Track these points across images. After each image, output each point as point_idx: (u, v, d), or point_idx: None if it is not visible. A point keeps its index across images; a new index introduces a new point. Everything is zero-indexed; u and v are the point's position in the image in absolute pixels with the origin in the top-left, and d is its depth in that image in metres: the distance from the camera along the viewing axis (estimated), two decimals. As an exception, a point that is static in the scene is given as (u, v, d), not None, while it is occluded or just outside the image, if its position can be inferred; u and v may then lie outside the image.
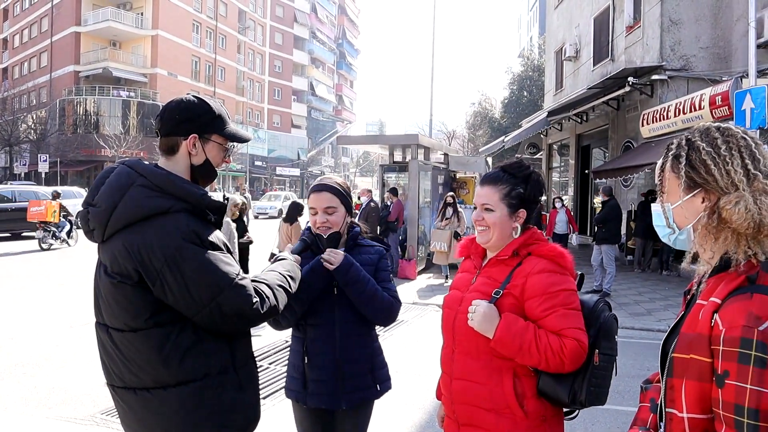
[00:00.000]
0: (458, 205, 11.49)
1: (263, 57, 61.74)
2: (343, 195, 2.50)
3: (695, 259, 1.43)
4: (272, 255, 8.25)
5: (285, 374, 5.66)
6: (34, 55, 50.19)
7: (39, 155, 34.08)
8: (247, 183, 52.86)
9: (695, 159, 1.34)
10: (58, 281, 10.76)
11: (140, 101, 44.13)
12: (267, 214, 32.98)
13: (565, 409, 1.98)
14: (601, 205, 10.65)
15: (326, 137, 75.75)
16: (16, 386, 5.21)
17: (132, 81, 45.49)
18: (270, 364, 5.90)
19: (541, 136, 21.66)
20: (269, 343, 6.54)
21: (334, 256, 2.37)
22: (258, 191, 50.66)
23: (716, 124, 1.38)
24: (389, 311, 2.49)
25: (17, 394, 5.00)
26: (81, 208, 1.85)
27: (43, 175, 34.50)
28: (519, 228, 2.02)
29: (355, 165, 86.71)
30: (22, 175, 40.23)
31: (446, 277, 11.33)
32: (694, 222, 1.37)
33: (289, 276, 2.02)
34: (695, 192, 1.35)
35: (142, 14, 45.45)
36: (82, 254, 14.46)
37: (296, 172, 65.36)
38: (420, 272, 12.35)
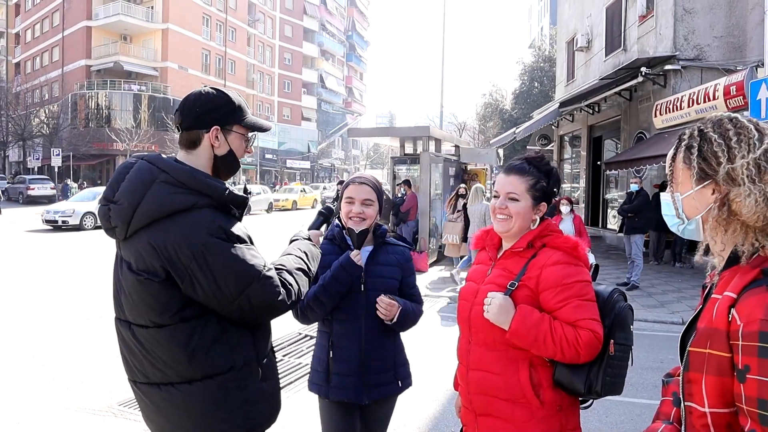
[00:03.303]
0: (470, 197, 11.47)
1: (273, 50, 61.75)
2: (379, 193, 2.58)
3: (707, 251, 1.43)
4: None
5: (299, 365, 5.75)
6: (45, 49, 50.52)
7: (52, 149, 34.45)
8: (258, 176, 53.03)
9: (707, 150, 1.34)
10: (74, 273, 10.88)
11: (151, 95, 44.36)
12: None
13: (579, 399, 1.99)
14: (634, 194, 10.26)
15: (336, 130, 75.74)
16: (35, 378, 5.29)
17: (143, 75, 45.69)
18: (284, 356, 5.94)
19: (553, 127, 21.52)
20: (283, 335, 6.59)
21: (391, 310, 2.45)
22: (269, 184, 50.79)
23: (729, 114, 1.37)
24: (413, 324, 2.61)
25: (36, 386, 5.08)
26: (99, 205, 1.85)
27: (56, 169, 34.81)
28: (538, 220, 2.04)
29: (366, 157, 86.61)
30: (36, 169, 40.62)
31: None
32: (703, 213, 1.37)
33: (307, 256, 2.02)
34: (706, 183, 1.35)
35: (152, 8, 45.59)
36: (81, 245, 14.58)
37: (306, 164, 65.47)
38: (432, 264, 12.36)
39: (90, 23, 44.95)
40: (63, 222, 19.42)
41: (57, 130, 40.24)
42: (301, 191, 37.16)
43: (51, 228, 19.74)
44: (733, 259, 1.32)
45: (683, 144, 1.40)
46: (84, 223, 19.73)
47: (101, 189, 22.66)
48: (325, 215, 2.50)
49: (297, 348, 6.24)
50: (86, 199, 20.87)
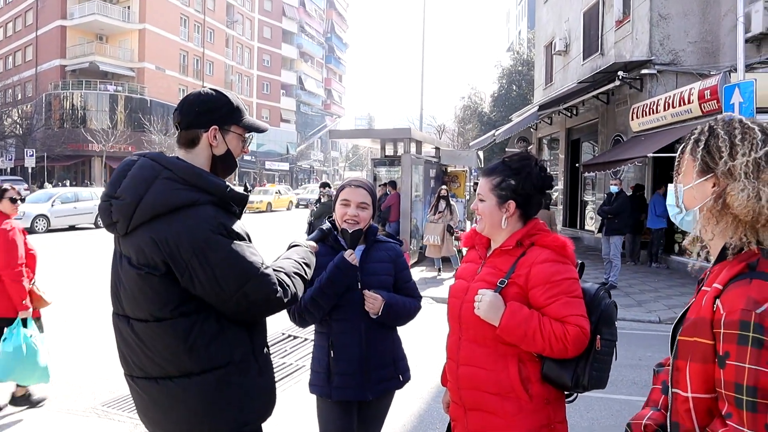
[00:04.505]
0: (450, 199, 11.55)
1: (252, 51, 61.42)
2: (374, 196, 2.65)
3: (695, 240, 1.50)
4: None
5: (283, 365, 5.75)
6: (18, 48, 49.60)
7: (25, 150, 33.79)
8: (237, 178, 52.66)
9: (712, 145, 1.41)
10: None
11: (128, 95, 43.79)
12: None
13: (565, 393, 2.05)
14: (614, 196, 10.35)
15: (315, 131, 75.57)
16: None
17: (119, 75, 45.08)
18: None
19: (531, 130, 21.75)
20: (268, 334, 6.59)
21: (374, 303, 2.50)
22: (250, 186, 50.44)
23: (740, 117, 1.46)
24: (408, 318, 2.66)
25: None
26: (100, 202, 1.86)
27: (30, 170, 34.20)
28: (505, 219, 2.06)
29: (345, 159, 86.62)
30: (8, 170, 39.85)
31: (439, 270, 11.40)
32: (700, 204, 1.44)
33: (305, 263, 2.06)
34: (708, 176, 1.42)
35: (129, 8, 45.03)
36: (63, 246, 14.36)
37: (285, 166, 65.20)
38: (413, 265, 12.40)
39: (65, 22, 44.22)
40: None
41: (31, 131, 39.50)
42: (276, 193, 36.04)
43: None
44: (724, 254, 1.39)
45: (692, 138, 1.48)
46: (35, 226, 18.46)
47: (57, 190, 21.95)
48: (325, 233, 2.55)
49: (281, 348, 6.25)
50: (39, 201, 19.74)
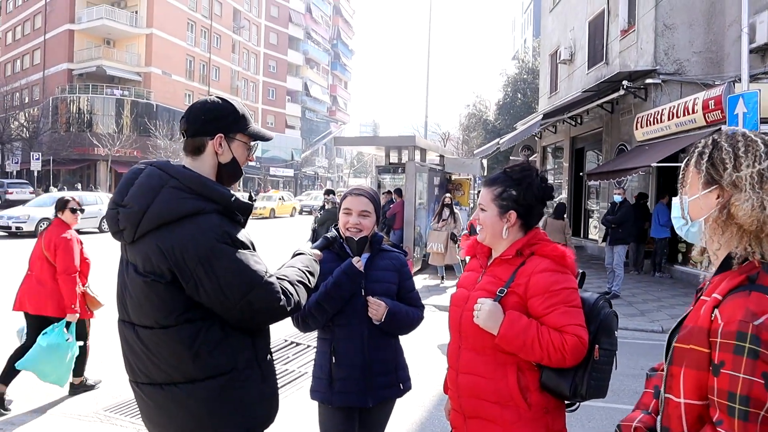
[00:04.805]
0: (454, 207, 11.57)
1: (258, 57, 61.66)
2: (376, 204, 2.66)
3: (703, 251, 1.53)
4: None
5: (285, 372, 5.77)
6: (27, 52, 49.90)
7: (31, 153, 33.89)
8: (241, 184, 52.79)
9: (717, 157, 1.45)
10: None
11: (134, 100, 43.93)
12: None
13: (566, 402, 2.06)
14: (618, 205, 10.33)
15: (320, 138, 75.71)
16: (20, 384, 5.21)
17: (126, 80, 45.29)
18: (269, 362, 5.96)
19: (536, 138, 21.77)
20: (271, 341, 6.60)
21: (377, 309, 2.52)
22: (253, 192, 50.54)
23: (743, 130, 1.50)
24: (410, 327, 2.68)
25: (21, 392, 5.01)
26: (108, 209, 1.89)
27: (36, 174, 34.33)
28: (506, 229, 2.08)
29: (349, 166, 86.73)
30: (14, 173, 40.00)
31: (442, 278, 11.40)
32: (706, 215, 1.47)
33: (308, 271, 2.09)
34: (712, 188, 1.46)
35: (136, 12, 45.26)
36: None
37: (290, 172, 65.30)
38: (416, 273, 12.41)
39: (73, 27, 44.50)
40: (17, 228, 18.20)
41: (37, 134, 39.65)
42: (280, 199, 35.78)
43: (5, 234, 18.49)
44: (725, 265, 1.42)
45: (696, 150, 1.51)
46: (40, 229, 18.32)
47: (60, 194, 22.05)
48: (329, 241, 2.60)
49: (284, 354, 6.27)
50: (43, 205, 19.52)
